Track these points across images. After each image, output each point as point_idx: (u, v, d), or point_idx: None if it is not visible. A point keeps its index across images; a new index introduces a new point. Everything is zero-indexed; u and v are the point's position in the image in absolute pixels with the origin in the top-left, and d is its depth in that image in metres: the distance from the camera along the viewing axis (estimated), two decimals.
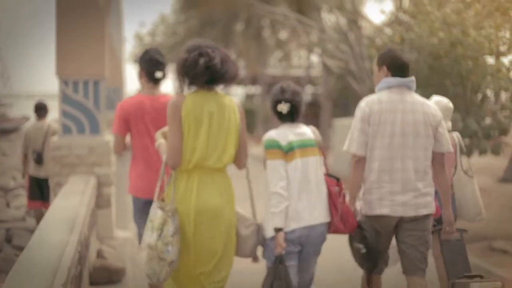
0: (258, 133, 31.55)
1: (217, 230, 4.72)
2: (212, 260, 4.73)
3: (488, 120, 13.04)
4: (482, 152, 13.02)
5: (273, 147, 5.10)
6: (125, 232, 10.04)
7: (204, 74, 4.69)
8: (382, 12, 17.37)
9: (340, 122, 21.35)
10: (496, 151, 13.03)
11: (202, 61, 4.66)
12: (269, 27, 32.09)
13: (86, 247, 6.53)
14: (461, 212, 6.44)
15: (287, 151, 5.09)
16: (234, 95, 49.58)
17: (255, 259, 5.13)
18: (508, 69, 12.96)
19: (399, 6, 17.34)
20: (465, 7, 12.95)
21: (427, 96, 13.05)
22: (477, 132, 12.60)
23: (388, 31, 17.91)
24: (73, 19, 9.41)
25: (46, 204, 9.90)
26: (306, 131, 5.28)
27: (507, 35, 13.13)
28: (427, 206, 5.31)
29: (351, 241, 5.38)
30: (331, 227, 5.24)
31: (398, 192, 5.22)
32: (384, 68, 5.44)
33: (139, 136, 6.02)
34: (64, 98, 9.31)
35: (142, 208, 5.93)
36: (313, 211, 5.12)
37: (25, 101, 60.30)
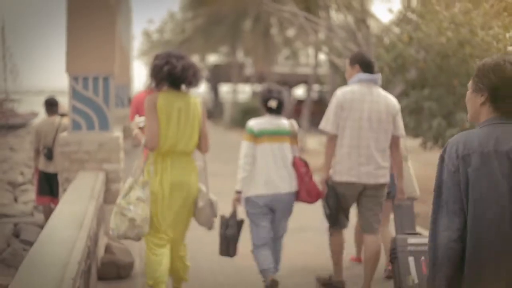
0: None
1: (185, 198, 6.13)
2: (181, 222, 6.26)
3: None
4: None
5: (248, 131, 6.87)
6: None
7: (167, 78, 6.04)
8: (390, 11, 17.42)
9: None
10: None
11: (165, 68, 5.98)
12: (277, 25, 32.09)
13: (95, 242, 6.59)
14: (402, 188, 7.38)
15: (258, 136, 6.81)
16: (242, 93, 49.68)
17: (209, 228, 6.57)
18: None
19: (407, 5, 17.33)
20: (473, 7, 12.95)
21: (436, 95, 13.11)
22: None
23: (396, 30, 17.94)
24: (84, 15, 9.45)
25: (55, 199, 10.04)
26: (283, 123, 6.96)
27: None
28: (384, 176, 6.71)
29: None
30: (298, 197, 6.96)
31: (364, 164, 6.59)
32: (357, 66, 6.84)
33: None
34: (74, 94, 9.36)
35: None
36: (278, 183, 6.79)
37: (34, 97, 60.45)
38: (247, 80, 44.25)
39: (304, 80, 39.94)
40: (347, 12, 18.16)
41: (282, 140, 6.91)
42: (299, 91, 50.72)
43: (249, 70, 42.65)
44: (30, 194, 14.68)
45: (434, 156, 21.31)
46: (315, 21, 20.05)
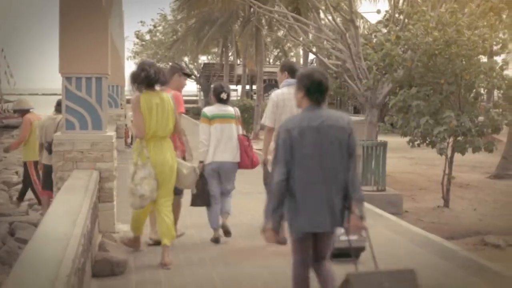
0: (256, 129, 31.66)
1: (168, 172, 7.96)
2: (166, 190, 8.01)
3: (481, 118, 13.24)
4: (476, 149, 13.21)
5: (203, 116, 9.27)
6: (126, 226, 10.19)
7: (144, 81, 7.81)
8: (378, 12, 17.57)
9: None
10: (489, 148, 13.22)
11: (142, 74, 7.78)
12: (267, 26, 32.19)
13: (89, 240, 6.62)
14: None
15: (211, 119, 9.17)
16: (233, 91, 49.69)
17: (193, 190, 8.88)
18: (501, 68, 13.16)
19: (394, 6, 17.49)
20: (460, 7, 13.13)
21: (423, 94, 13.30)
22: (470, 130, 12.80)
23: (384, 30, 18.10)
24: (76, 17, 9.49)
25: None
26: (230, 109, 9.37)
27: (500, 34, 13.34)
28: None
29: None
30: (242, 165, 9.32)
31: None
32: (286, 73, 9.01)
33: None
34: (67, 94, 9.44)
35: None
36: (225, 153, 9.15)
37: (28, 97, 60.31)
38: (238, 80, 44.29)
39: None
40: (335, 13, 18.31)
41: (230, 121, 9.29)
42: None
43: (239, 71, 42.69)
44: None
45: (423, 154, 21.52)
46: (305, 22, 20.20)
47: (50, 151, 10.73)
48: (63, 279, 3.95)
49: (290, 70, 8.96)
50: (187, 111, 37.08)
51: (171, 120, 7.95)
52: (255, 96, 37.33)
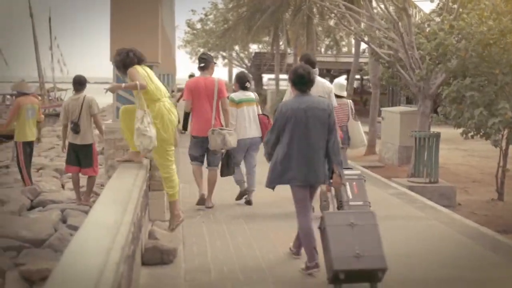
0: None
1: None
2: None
3: None
4: None
5: (231, 101, 11.23)
6: None
7: (134, 59, 8.44)
8: (432, 0, 17.27)
9: (388, 111, 21.25)
10: None
11: (131, 54, 8.43)
12: (318, 14, 31.99)
13: (138, 228, 6.65)
14: (352, 142, 12.35)
15: (238, 103, 11.27)
16: (284, 80, 49.57)
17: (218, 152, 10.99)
18: None
19: None
20: None
21: (477, 84, 13.03)
22: None
23: (437, 19, 17.80)
24: (127, 5, 9.57)
25: (82, 169, 12.07)
26: (251, 94, 11.52)
27: None
28: None
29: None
30: (263, 138, 10.36)
31: None
32: (302, 62, 9.84)
33: (197, 99, 10.87)
34: (118, 83, 9.50)
35: (195, 142, 11.04)
36: (251, 130, 11.28)
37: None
38: (288, 69, 44.19)
39: (346, 69, 39.78)
40: (388, 1, 18.08)
41: (252, 104, 11.47)
42: (342, 80, 50.51)
43: (290, 59, 42.55)
44: None
45: (476, 145, 21.08)
46: (357, 10, 20.00)
47: (75, 131, 11.81)
48: (112, 267, 3.94)
49: (306, 60, 10.33)
50: None
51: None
52: None
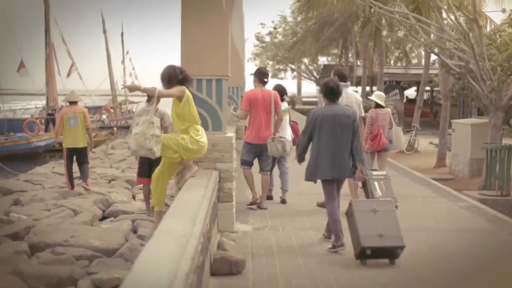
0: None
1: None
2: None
3: None
4: None
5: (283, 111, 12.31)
6: (244, 226, 10.30)
7: (181, 79, 8.60)
8: (503, 11, 17.00)
9: (458, 123, 20.97)
10: None
11: (178, 70, 8.61)
12: (387, 26, 31.76)
13: (208, 239, 6.71)
14: (394, 145, 13.97)
15: (283, 112, 12.24)
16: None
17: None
18: None
19: None
20: None
21: None
22: None
23: (509, 30, 17.49)
24: (197, 19, 9.66)
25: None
26: (286, 105, 12.74)
27: None
28: None
29: None
30: (295, 142, 11.98)
31: None
32: (336, 77, 11.26)
33: (255, 109, 11.72)
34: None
35: (250, 149, 11.89)
36: (287, 136, 12.36)
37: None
38: (358, 81, 43.95)
39: (416, 81, 39.37)
40: (458, 12, 17.86)
41: (287, 114, 12.74)
42: (411, 92, 49.99)
43: (359, 72, 42.35)
44: None
45: None
46: (426, 22, 19.82)
47: None
48: (182, 277, 4.00)
49: (339, 74, 11.77)
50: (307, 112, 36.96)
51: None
52: None
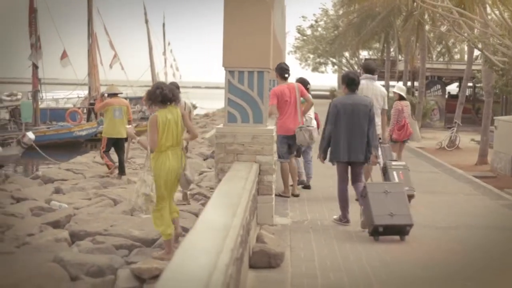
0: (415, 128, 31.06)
1: (175, 178, 8.77)
2: (172, 192, 9.00)
3: None
4: None
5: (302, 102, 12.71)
6: (283, 219, 10.29)
7: (157, 98, 8.65)
8: None
9: (501, 120, 20.71)
10: None
11: (157, 92, 8.66)
12: (430, 20, 31.46)
13: (247, 231, 6.71)
14: (412, 136, 14.63)
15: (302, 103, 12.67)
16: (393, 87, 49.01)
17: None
18: None
19: None
20: None
21: None
22: None
23: None
24: (240, 11, 9.66)
25: None
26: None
27: None
28: (377, 129, 11.18)
29: None
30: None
31: None
32: (362, 71, 12.55)
33: (283, 103, 12.22)
34: (230, 88, 9.63)
35: (282, 139, 12.10)
36: (312, 123, 13.14)
37: (192, 90, 62.27)
38: (399, 76, 43.64)
39: (458, 76, 38.96)
40: (503, 7, 17.63)
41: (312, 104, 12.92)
42: (453, 87, 49.48)
43: (401, 66, 42.03)
44: None
45: None
46: (470, 16, 19.59)
47: None
48: (222, 268, 4.02)
49: (366, 68, 12.53)
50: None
51: (182, 132, 8.87)
52: (416, 93, 36.61)
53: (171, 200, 9.08)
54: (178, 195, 13.12)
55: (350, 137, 9.84)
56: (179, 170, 8.76)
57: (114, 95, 16.90)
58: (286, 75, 12.61)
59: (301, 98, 12.53)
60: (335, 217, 10.22)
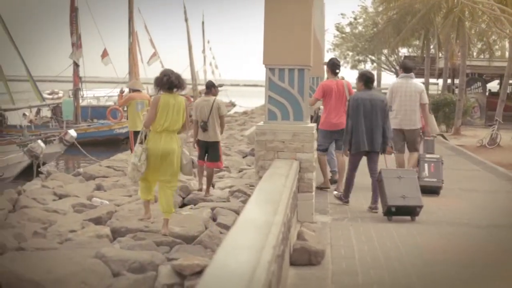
0: (457, 124, 30.79)
1: (171, 159, 9.93)
2: (167, 173, 10.03)
3: None
4: None
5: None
6: (323, 217, 10.28)
7: (165, 85, 9.87)
8: None
9: None
10: None
11: (164, 79, 9.81)
12: (471, 17, 31.13)
13: (288, 229, 6.71)
14: (430, 129, 14.06)
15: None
16: (434, 85, 48.56)
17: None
18: None
19: None
20: None
21: None
22: None
23: None
24: (281, 8, 9.67)
25: (208, 163, 13.56)
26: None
27: None
28: (415, 124, 13.04)
29: None
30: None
31: (404, 118, 12.94)
32: (401, 69, 13.47)
33: (329, 99, 12.70)
34: (270, 85, 9.64)
35: (325, 135, 12.74)
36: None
37: (230, 88, 62.37)
38: (439, 73, 43.27)
39: (499, 73, 38.52)
40: None
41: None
42: (494, 85, 48.89)
43: (441, 64, 41.66)
44: (227, 180, 15.26)
45: None
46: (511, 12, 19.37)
47: (204, 129, 13.17)
48: (265, 265, 4.02)
49: (403, 66, 13.57)
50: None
51: (182, 119, 10.02)
52: (456, 91, 36.26)
53: (166, 196, 10.13)
54: (221, 194, 13.21)
55: (370, 129, 10.76)
56: (169, 156, 9.91)
57: (137, 90, 17.43)
58: (337, 71, 13.06)
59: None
60: (335, 192, 11.75)
